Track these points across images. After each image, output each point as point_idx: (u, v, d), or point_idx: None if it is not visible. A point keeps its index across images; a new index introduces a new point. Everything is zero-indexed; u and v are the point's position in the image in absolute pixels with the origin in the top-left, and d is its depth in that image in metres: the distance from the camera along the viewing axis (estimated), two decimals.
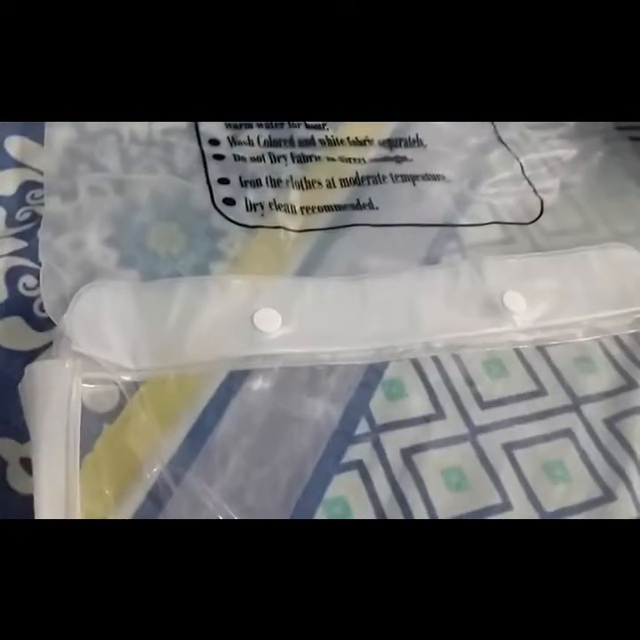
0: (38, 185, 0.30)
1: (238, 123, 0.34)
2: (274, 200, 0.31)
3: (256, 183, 0.31)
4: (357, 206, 0.31)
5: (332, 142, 0.34)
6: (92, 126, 0.32)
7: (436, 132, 0.36)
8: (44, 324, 0.26)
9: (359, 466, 0.25)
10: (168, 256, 0.28)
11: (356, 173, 0.33)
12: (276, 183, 0.31)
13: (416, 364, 0.27)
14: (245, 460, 0.24)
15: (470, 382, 0.27)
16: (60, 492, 0.22)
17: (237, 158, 0.32)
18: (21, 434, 0.23)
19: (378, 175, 0.33)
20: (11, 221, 0.29)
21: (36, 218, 0.29)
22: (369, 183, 0.32)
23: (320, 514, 0.23)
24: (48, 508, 0.21)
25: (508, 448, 0.26)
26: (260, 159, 0.32)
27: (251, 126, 0.34)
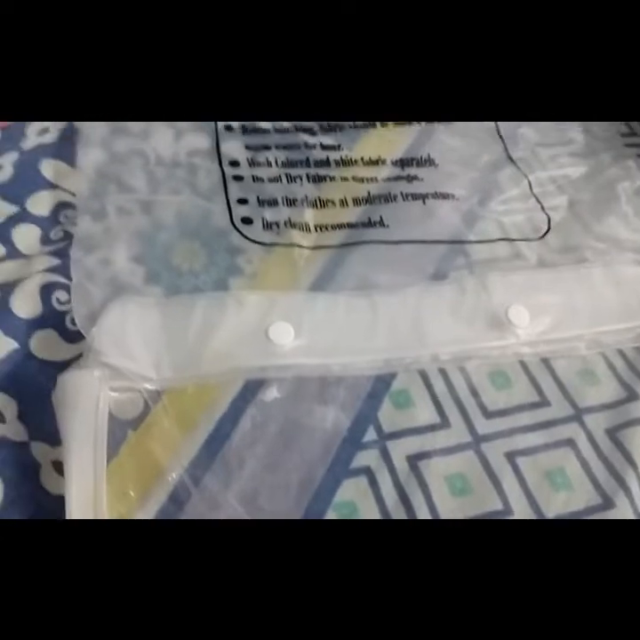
0: (71, 205, 0.32)
1: (258, 144, 0.36)
2: (289, 219, 0.32)
3: (273, 203, 0.33)
4: (369, 224, 0.33)
5: (347, 162, 0.36)
6: (121, 148, 0.34)
7: (447, 152, 0.37)
8: (75, 337, 0.27)
9: (367, 471, 0.26)
10: (190, 272, 0.30)
11: (368, 192, 0.34)
12: (291, 203, 0.33)
13: (423, 375, 0.28)
14: (260, 464, 0.25)
15: (475, 393, 0.28)
16: (88, 492, 0.23)
17: (256, 179, 0.34)
18: (53, 438, 0.25)
19: (389, 194, 0.34)
20: (45, 240, 0.31)
21: (68, 237, 0.31)
22: (380, 202, 0.34)
23: (329, 516, 0.25)
24: (77, 507, 0.23)
25: (511, 456, 0.27)
26: (277, 180, 0.34)
27: (269, 148, 0.36)
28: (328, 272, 0.31)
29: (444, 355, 0.29)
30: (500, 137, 0.38)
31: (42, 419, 0.26)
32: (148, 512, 0.24)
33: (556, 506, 0.26)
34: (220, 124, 0.36)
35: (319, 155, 0.36)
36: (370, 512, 0.25)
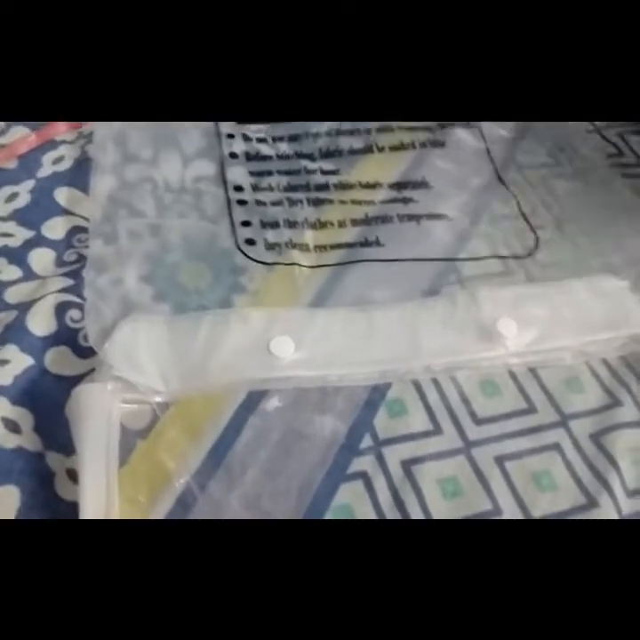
0: (84, 230, 0.34)
1: (261, 170, 0.38)
2: (290, 240, 0.34)
3: (274, 225, 0.35)
4: (366, 244, 0.34)
5: (345, 186, 0.37)
6: (132, 176, 0.36)
7: (440, 174, 0.38)
8: (87, 353, 0.29)
9: (363, 476, 0.27)
10: (196, 291, 0.32)
11: (366, 214, 0.36)
12: (292, 225, 0.35)
13: (416, 385, 0.30)
14: (261, 471, 0.27)
15: (466, 401, 0.30)
16: (101, 498, 0.25)
17: (259, 203, 0.36)
18: (67, 448, 0.26)
19: (385, 215, 0.36)
20: (59, 262, 0.33)
21: (81, 259, 0.32)
22: (377, 223, 0.35)
23: (328, 518, 0.26)
24: (91, 513, 0.24)
25: (500, 460, 0.28)
26: (279, 203, 0.36)
27: (271, 174, 0.38)
28: (327, 289, 0.32)
29: (436, 365, 0.30)
30: (491, 159, 0.40)
31: (56, 430, 0.27)
32: (157, 515, 0.26)
33: (543, 506, 0.27)
34: (225, 151, 0.38)
35: (319, 179, 0.37)
36: (366, 515, 0.26)
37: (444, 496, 0.27)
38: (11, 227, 0.34)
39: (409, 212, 0.36)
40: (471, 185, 0.38)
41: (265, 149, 0.39)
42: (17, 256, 0.32)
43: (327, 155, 0.39)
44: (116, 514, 0.25)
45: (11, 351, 0.29)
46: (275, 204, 0.36)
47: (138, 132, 0.37)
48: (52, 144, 0.37)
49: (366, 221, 0.35)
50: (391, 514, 0.26)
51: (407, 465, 0.28)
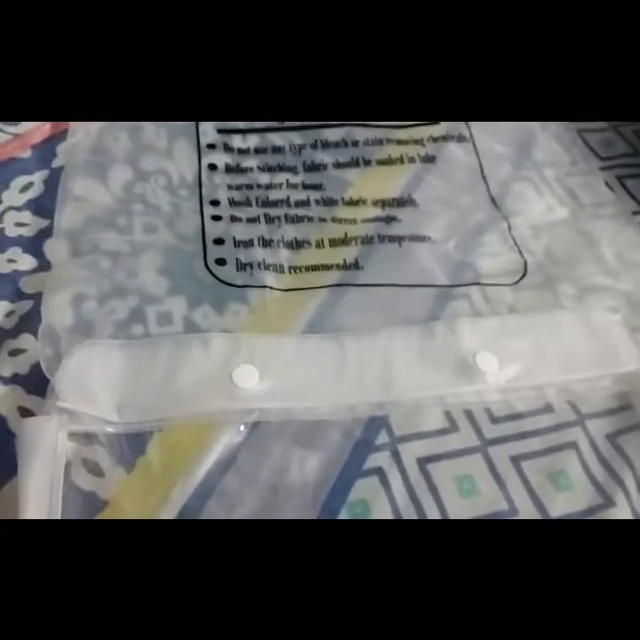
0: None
1: (240, 184, 0.36)
2: (263, 260, 0.32)
3: (248, 243, 0.33)
4: (343, 266, 0.33)
5: (328, 202, 0.36)
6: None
7: (429, 191, 0.37)
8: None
9: (379, 472, 0.27)
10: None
11: (345, 234, 0.34)
12: (267, 243, 0.33)
13: None
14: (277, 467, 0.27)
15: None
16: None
17: (234, 219, 0.34)
18: None
19: (366, 236, 0.34)
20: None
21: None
22: (357, 243, 0.34)
23: (344, 513, 0.26)
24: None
25: (516, 460, 0.28)
26: (255, 220, 0.34)
27: (251, 188, 0.36)
28: (298, 315, 0.31)
29: (409, 400, 0.28)
30: (484, 177, 0.38)
31: None
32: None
33: (559, 506, 0.27)
34: (204, 163, 0.36)
35: (300, 195, 0.36)
36: (382, 510, 0.26)
37: (460, 494, 0.27)
38: (25, 216, 0.34)
39: (391, 233, 0.34)
40: (460, 204, 0.36)
41: (246, 162, 0.37)
42: (32, 246, 0.32)
43: (311, 168, 0.37)
44: None
45: (27, 340, 0.29)
46: (251, 220, 0.34)
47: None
48: (65, 133, 0.37)
49: (345, 242, 0.34)
50: (406, 510, 0.26)
51: (423, 462, 0.27)
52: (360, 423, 0.28)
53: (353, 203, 0.36)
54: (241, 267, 0.32)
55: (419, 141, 0.39)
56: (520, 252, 0.34)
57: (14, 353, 0.29)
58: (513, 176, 0.38)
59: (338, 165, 0.38)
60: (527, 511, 0.26)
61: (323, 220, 0.35)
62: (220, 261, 0.32)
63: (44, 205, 0.34)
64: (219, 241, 0.33)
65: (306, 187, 0.36)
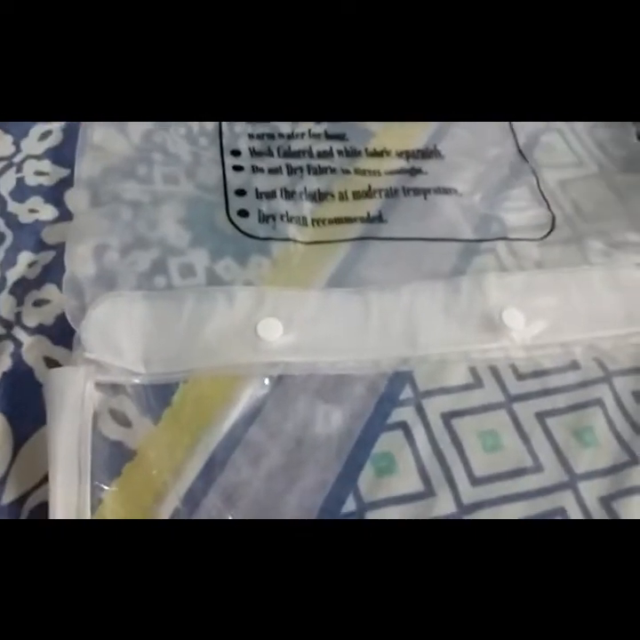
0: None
1: (262, 133, 0.35)
2: (286, 212, 0.32)
3: (271, 195, 0.32)
4: (367, 219, 0.32)
5: (351, 153, 0.35)
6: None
7: (456, 143, 0.36)
8: None
9: (403, 426, 0.27)
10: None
11: (369, 186, 0.33)
12: (290, 195, 0.33)
13: None
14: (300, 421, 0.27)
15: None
16: (73, 489, 0.24)
17: (256, 169, 0.33)
18: None
19: (390, 189, 0.33)
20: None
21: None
22: (381, 196, 0.33)
23: (368, 467, 0.26)
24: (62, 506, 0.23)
25: (541, 416, 0.27)
26: (277, 171, 0.34)
27: (273, 137, 0.35)
28: (321, 268, 0.30)
29: (433, 356, 0.28)
30: (512, 130, 0.37)
31: None
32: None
33: (584, 462, 0.26)
34: None
35: (323, 145, 0.35)
36: (405, 463, 0.26)
37: (484, 449, 0.26)
38: (45, 165, 0.33)
39: (416, 186, 0.34)
40: (488, 156, 0.35)
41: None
42: (52, 195, 0.32)
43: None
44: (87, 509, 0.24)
45: (51, 291, 0.29)
46: (273, 171, 0.34)
47: None
48: None
49: (369, 194, 0.33)
50: (430, 463, 0.26)
51: (447, 417, 0.27)
52: (384, 378, 0.28)
53: (377, 154, 0.35)
54: (263, 218, 0.32)
55: None
56: (548, 207, 0.33)
57: (38, 303, 0.29)
58: (541, 128, 0.37)
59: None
60: (552, 467, 0.26)
61: (346, 171, 0.34)
62: (243, 213, 0.32)
63: (63, 154, 0.33)
64: (240, 192, 0.33)
65: (328, 137, 0.36)
